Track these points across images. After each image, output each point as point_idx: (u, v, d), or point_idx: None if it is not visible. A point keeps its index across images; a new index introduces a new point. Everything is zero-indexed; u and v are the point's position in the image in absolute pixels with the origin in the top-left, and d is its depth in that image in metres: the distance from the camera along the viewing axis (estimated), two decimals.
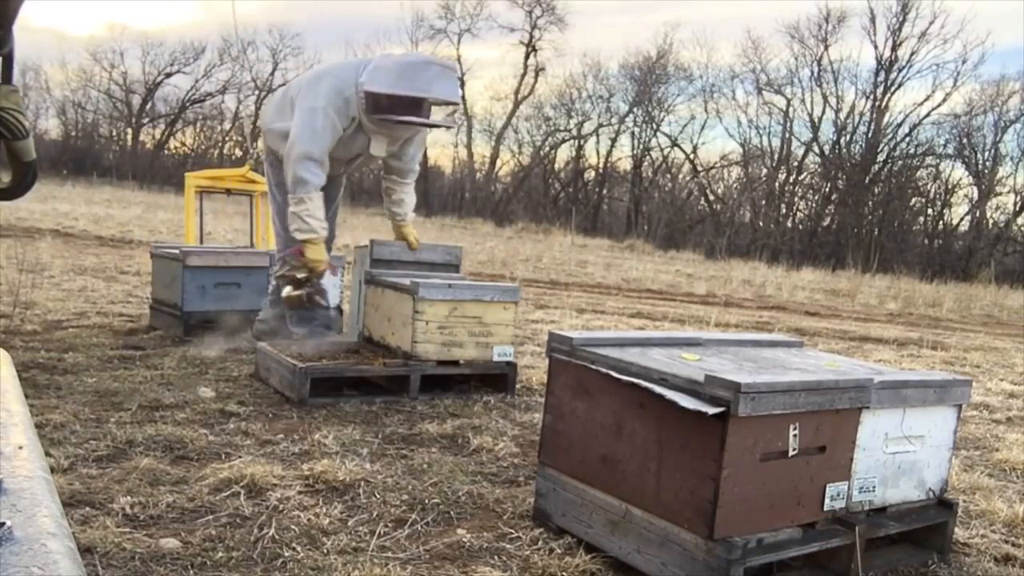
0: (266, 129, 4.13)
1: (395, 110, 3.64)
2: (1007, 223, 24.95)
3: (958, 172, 25.97)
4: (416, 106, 3.67)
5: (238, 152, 32.81)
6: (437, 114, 4.02)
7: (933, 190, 26.04)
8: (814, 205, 27.63)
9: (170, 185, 25.60)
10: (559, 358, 2.19)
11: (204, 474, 2.39)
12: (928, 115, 25.65)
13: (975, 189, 25.39)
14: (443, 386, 3.66)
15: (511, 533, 2.18)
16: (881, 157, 26.20)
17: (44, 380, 3.34)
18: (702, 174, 29.99)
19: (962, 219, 25.73)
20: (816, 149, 27.55)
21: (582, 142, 31.51)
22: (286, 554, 1.93)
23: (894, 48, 25.65)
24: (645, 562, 1.91)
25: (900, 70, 25.88)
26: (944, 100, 25.51)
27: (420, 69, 3.64)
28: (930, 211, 26.20)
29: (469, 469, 2.66)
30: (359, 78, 3.64)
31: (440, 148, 35.02)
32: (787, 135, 27.79)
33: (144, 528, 2.01)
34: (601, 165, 31.57)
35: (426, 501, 2.34)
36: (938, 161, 25.81)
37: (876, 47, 25.98)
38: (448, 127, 4.50)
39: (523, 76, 32.17)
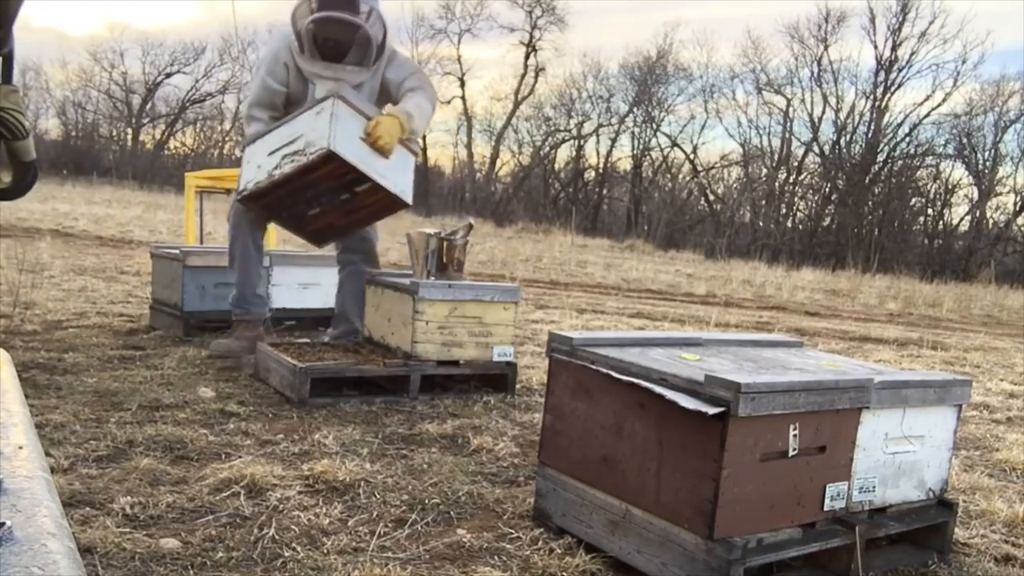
0: None
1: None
2: (1007, 223, 24.97)
3: (958, 172, 26.01)
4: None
5: (238, 152, 32.74)
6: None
7: (933, 190, 26.07)
8: (814, 205, 27.64)
9: (170, 185, 25.62)
10: (559, 358, 2.19)
11: (204, 474, 2.39)
12: (928, 115, 25.69)
13: (975, 189, 25.41)
14: (443, 386, 3.66)
15: (511, 533, 2.18)
16: (881, 157, 26.22)
17: (44, 380, 3.34)
18: (702, 174, 30.01)
19: (962, 219, 25.77)
20: (816, 149, 27.57)
21: (582, 142, 31.54)
22: (286, 554, 1.93)
23: (894, 48, 25.68)
24: (645, 562, 1.91)
25: (900, 70, 25.91)
26: (944, 100, 25.55)
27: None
28: (930, 211, 26.22)
29: (469, 469, 2.66)
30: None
31: (440, 148, 35.16)
32: (787, 135, 27.83)
33: (144, 528, 2.01)
34: (601, 165, 31.60)
35: (426, 501, 2.34)
36: (938, 161, 25.83)
37: (876, 47, 26.02)
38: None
39: (523, 76, 32.23)
